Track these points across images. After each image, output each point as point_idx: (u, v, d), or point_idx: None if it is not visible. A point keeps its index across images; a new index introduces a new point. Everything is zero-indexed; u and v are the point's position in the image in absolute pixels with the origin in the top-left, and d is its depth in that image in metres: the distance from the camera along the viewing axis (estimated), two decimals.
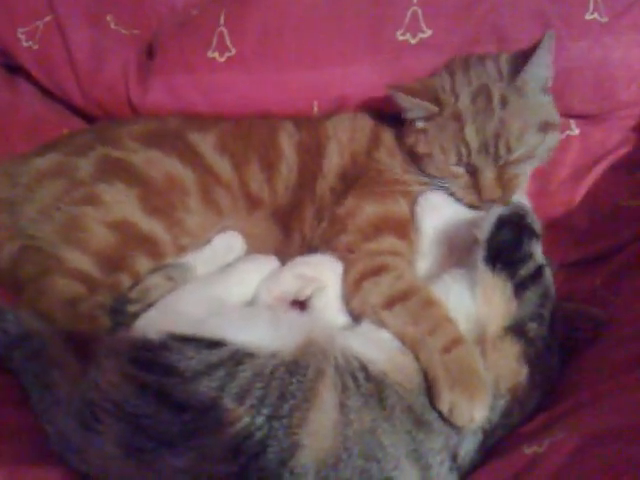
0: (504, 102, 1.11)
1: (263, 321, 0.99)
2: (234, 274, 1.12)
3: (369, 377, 0.92)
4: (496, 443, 0.94)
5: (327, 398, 0.88)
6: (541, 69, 1.12)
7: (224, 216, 1.22)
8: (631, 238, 1.19)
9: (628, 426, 0.79)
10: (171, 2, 1.50)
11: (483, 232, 1.01)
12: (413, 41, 1.29)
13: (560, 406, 0.93)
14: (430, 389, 0.93)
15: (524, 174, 1.16)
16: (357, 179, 1.23)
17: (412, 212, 1.18)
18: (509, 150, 1.10)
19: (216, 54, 1.33)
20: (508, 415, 0.95)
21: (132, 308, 1.06)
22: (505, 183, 1.13)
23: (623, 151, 1.29)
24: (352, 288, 1.09)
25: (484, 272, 1.00)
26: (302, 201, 1.25)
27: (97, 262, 1.10)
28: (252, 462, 0.82)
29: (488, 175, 1.11)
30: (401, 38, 1.29)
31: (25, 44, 1.45)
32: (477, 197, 1.14)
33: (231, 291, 1.09)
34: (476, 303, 1.00)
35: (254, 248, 1.23)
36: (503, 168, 1.12)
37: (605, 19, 1.25)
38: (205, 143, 1.25)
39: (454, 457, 0.90)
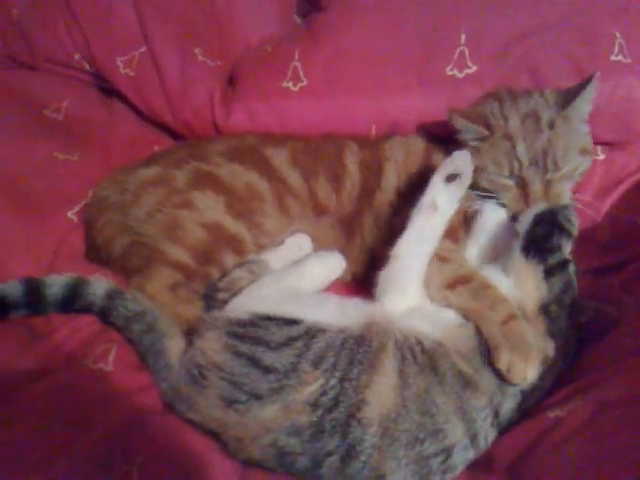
0: (552, 125, 1.31)
1: (332, 305, 1.20)
2: (305, 268, 1.33)
3: (424, 350, 1.12)
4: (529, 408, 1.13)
5: (389, 366, 1.08)
6: (586, 103, 1.34)
7: (295, 220, 1.44)
8: None
9: (634, 395, 0.98)
10: (247, 39, 1.73)
11: (522, 226, 1.24)
12: (460, 75, 1.50)
13: (579, 382, 1.12)
14: (491, 353, 1.13)
15: (566, 192, 1.34)
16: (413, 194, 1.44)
17: (459, 221, 1.37)
18: (556, 165, 1.29)
19: (290, 84, 1.56)
20: (540, 380, 1.14)
21: (221, 296, 1.29)
22: (550, 198, 1.31)
23: None
24: None
25: (519, 260, 1.21)
26: (362, 210, 1.46)
27: (193, 255, 1.32)
28: (327, 414, 1.03)
29: (537, 187, 1.30)
30: (449, 73, 1.50)
31: (123, 71, 1.68)
32: (525, 208, 1.31)
33: (303, 282, 1.30)
34: (512, 288, 1.21)
35: (320, 248, 1.44)
36: (549, 184, 1.31)
37: (629, 60, 1.44)
38: (279, 157, 1.47)
39: (496, 414, 1.10)
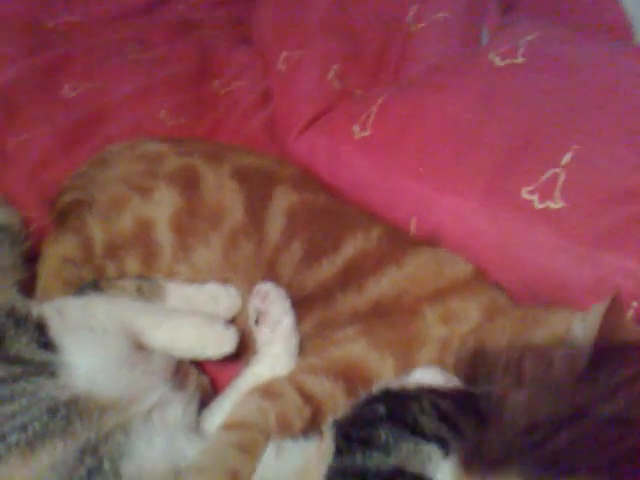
0: None
1: (113, 356, 0.91)
2: (176, 318, 1.04)
3: None
4: None
5: None
6: None
7: (235, 271, 1.13)
8: None
9: None
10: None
11: None
12: (538, 206, 1.01)
13: None
14: None
15: None
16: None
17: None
18: None
19: (357, 129, 1.25)
20: None
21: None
22: None
23: None
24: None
25: None
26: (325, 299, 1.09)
27: (105, 242, 1.14)
28: None
29: None
30: (526, 196, 1.03)
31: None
32: None
33: (157, 332, 1.01)
34: None
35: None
36: None
37: None
38: (282, 201, 1.17)
39: None
